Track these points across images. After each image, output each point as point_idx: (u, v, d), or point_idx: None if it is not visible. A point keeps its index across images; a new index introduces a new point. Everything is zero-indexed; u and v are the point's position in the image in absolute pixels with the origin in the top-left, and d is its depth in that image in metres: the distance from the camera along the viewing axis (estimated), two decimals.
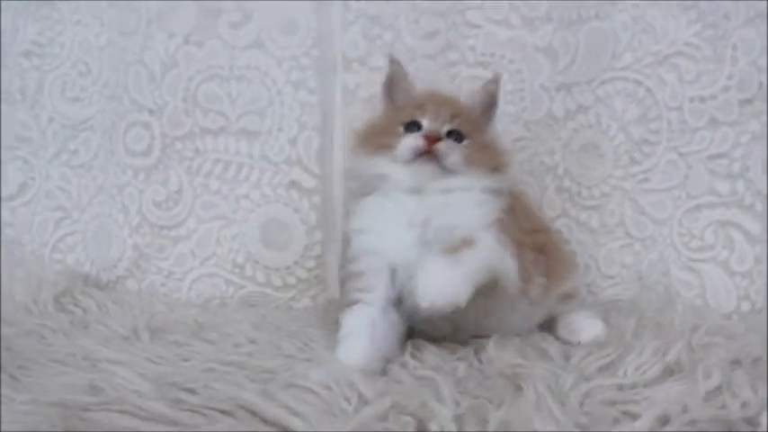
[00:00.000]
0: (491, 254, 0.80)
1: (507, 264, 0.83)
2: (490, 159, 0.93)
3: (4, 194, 1.36)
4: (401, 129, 0.92)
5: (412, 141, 0.89)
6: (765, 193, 1.13)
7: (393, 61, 1.00)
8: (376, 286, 0.85)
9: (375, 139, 0.94)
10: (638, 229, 1.20)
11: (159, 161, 1.28)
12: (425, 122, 0.91)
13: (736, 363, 0.73)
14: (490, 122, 0.99)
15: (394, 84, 0.99)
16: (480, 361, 0.81)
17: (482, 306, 0.82)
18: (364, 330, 0.80)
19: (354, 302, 0.84)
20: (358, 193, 0.95)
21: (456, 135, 0.91)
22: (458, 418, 0.59)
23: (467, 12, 1.24)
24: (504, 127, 1.19)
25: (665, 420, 0.58)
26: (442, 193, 0.88)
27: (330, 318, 0.98)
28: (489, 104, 0.99)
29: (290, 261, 1.24)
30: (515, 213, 0.91)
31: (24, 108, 1.36)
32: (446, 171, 0.88)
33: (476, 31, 1.24)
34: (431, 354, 0.82)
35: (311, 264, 1.24)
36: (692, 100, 1.17)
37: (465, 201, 0.88)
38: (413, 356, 0.81)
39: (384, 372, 0.76)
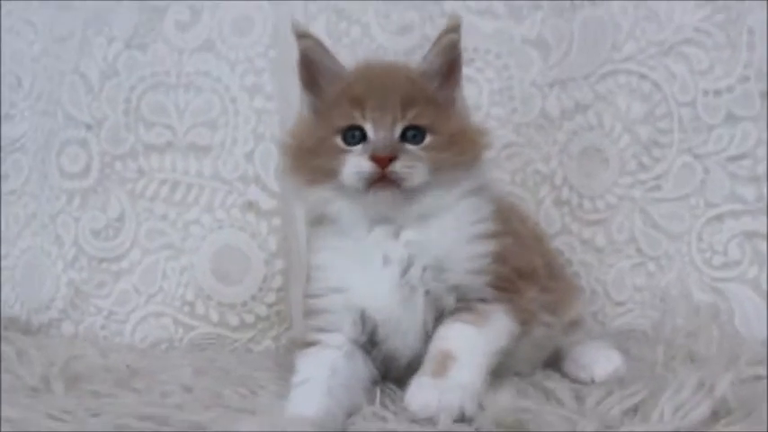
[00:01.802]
0: (479, 355, 0.69)
1: (504, 332, 0.72)
2: (464, 152, 0.76)
3: None
4: (339, 140, 0.74)
5: (357, 166, 0.71)
6: None
7: (302, 35, 0.78)
8: (340, 327, 0.75)
9: (309, 159, 0.76)
10: (652, 246, 1.10)
11: (98, 183, 1.20)
12: (370, 129, 0.73)
13: None
14: (455, 90, 0.80)
15: (313, 68, 0.78)
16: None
17: None
18: (321, 377, 0.70)
19: (312, 344, 0.75)
20: (314, 221, 0.80)
21: (414, 132, 0.74)
22: None
23: (444, 2, 1.18)
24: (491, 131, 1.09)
25: None
26: (419, 220, 0.75)
27: (291, 361, 0.85)
28: (450, 64, 0.78)
29: (248, 296, 1.16)
30: (510, 232, 0.78)
31: None
32: (411, 192, 0.72)
33: None
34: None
35: (272, 298, 1.16)
36: (705, 93, 1.09)
37: (450, 233, 0.74)
38: (384, 406, 0.68)
39: (344, 426, 0.64)
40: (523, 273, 0.77)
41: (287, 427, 0.57)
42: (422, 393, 0.64)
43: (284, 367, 0.86)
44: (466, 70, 1.06)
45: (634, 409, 0.63)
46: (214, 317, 1.15)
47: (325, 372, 0.70)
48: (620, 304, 1.11)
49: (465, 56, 1.08)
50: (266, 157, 1.16)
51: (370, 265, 0.74)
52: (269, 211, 1.16)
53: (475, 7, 1.17)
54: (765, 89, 1.06)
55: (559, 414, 0.60)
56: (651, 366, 0.77)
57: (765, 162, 1.06)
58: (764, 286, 1.03)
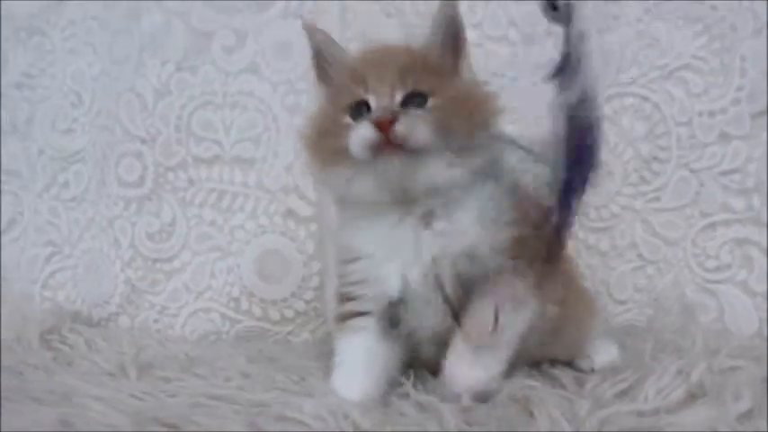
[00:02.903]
0: (515, 334, 0.72)
1: (532, 320, 0.74)
2: (469, 113, 0.73)
3: None
4: (347, 117, 0.74)
5: (361, 134, 0.70)
6: None
7: (312, 29, 0.80)
8: (373, 311, 0.76)
9: (324, 141, 0.75)
10: (651, 251, 1.16)
11: (152, 191, 1.25)
12: (372, 101, 0.72)
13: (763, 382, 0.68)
14: (459, 60, 0.77)
15: (323, 59, 0.79)
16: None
17: None
18: (360, 358, 0.75)
19: (348, 327, 0.78)
20: (342, 203, 0.81)
21: (416, 98, 0.72)
22: None
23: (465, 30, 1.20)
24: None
25: None
26: (446, 210, 0.73)
27: (329, 350, 0.90)
28: (452, 36, 0.76)
29: (288, 293, 1.20)
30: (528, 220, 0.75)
31: (14, 141, 1.35)
32: (418, 156, 0.70)
33: (475, 49, 1.17)
34: (434, 382, 0.76)
35: (309, 296, 1.20)
36: (701, 114, 1.14)
37: (476, 223, 0.73)
38: (414, 385, 0.75)
39: (384, 402, 0.71)
40: (543, 257, 0.74)
41: (341, 405, 0.63)
42: (462, 368, 0.69)
43: (324, 356, 0.91)
44: None
45: (624, 392, 0.70)
46: (257, 312, 1.19)
47: (363, 353, 0.74)
48: (621, 303, 1.16)
49: (482, 79, 1.16)
50: (304, 170, 1.17)
51: (401, 254, 0.73)
52: (307, 218, 1.20)
53: (492, 34, 1.20)
54: (755, 111, 1.11)
55: (561, 395, 0.68)
56: (641, 357, 0.83)
57: (754, 176, 1.11)
58: (753, 287, 1.09)
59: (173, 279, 1.24)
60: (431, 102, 0.72)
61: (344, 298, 0.78)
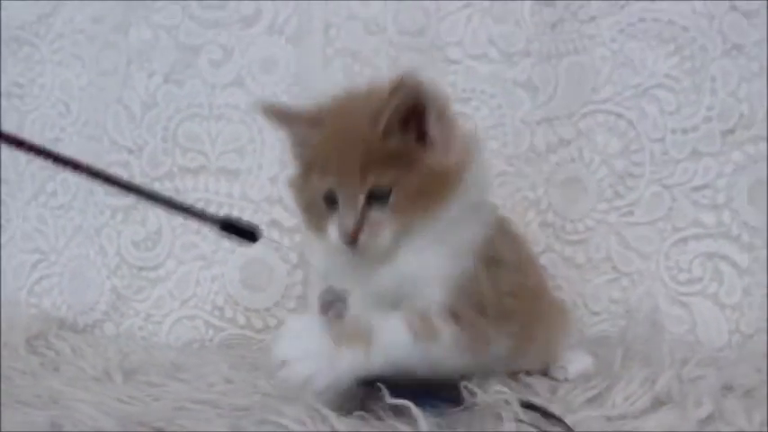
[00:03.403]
0: (391, 357, 0.67)
1: (430, 358, 0.70)
2: (433, 191, 0.74)
3: None
4: (322, 201, 0.76)
5: (333, 238, 0.74)
6: (751, 224, 1.13)
7: (279, 118, 0.80)
8: None
9: (305, 213, 0.81)
10: (625, 264, 1.18)
11: (138, 201, 1.21)
12: (340, 198, 0.74)
13: (727, 390, 0.72)
14: (427, 136, 0.74)
15: (296, 140, 0.81)
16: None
17: None
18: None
19: None
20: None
21: (379, 194, 0.73)
22: None
23: (446, 48, 1.24)
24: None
25: None
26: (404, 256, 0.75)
27: None
28: (415, 114, 0.72)
29: (271, 302, 1.22)
30: (492, 261, 0.76)
31: (2, 149, 1.34)
32: (386, 250, 0.74)
33: (455, 66, 1.24)
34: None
35: (292, 304, 1.22)
36: (673, 132, 1.17)
37: (425, 266, 0.74)
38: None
39: (361, 406, 0.73)
40: (488, 305, 0.74)
41: (321, 412, 0.64)
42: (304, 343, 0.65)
43: None
44: (464, 107, 1.18)
45: (593, 399, 0.73)
46: (241, 320, 1.21)
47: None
48: (596, 314, 1.17)
49: (463, 95, 1.20)
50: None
51: (370, 299, 0.74)
52: (290, 228, 1.21)
53: (472, 52, 1.23)
54: (725, 128, 1.14)
55: (534, 400, 0.70)
56: (611, 365, 0.85)
57: (724, 192, 1.13)
58: (723, 300, 1.12)
59: (158, 287, 1.25)
60: (392, 197, 0.73)
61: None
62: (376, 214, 0.73)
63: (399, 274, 0.74)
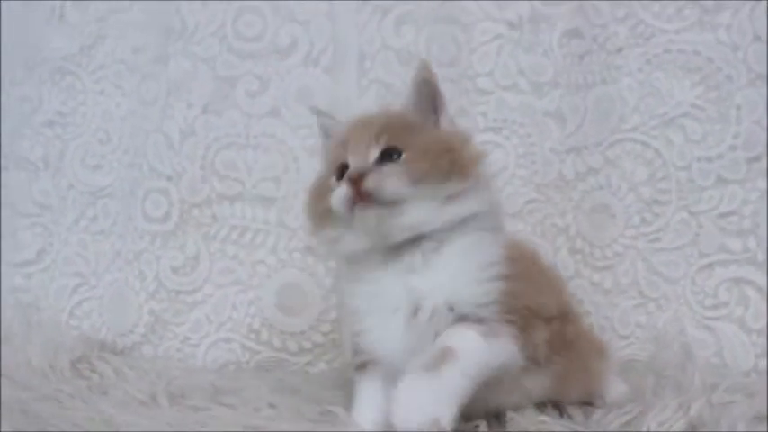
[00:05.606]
0: (479, 362, 0.69)
1: (508, 352, 0.72)
2: (444, 159, 0.75)
3: (21, 260, 1.38)
4: (334, 179, 0.80)
5: (338, 192, 0.75)
6: None
7: (320, 114, 0.92)
8: (372, 361, 0.80)
9: (315, 203, 0.83)
10: (652, 289, 1.20)
11: (177, 227, 1.29)
12: (351, 160, 0.77)
13: (759, 418, 0.73)
14: (436, 117, 0.82)
15: (327, 136, 0.90)
16: (500, 421, 0.79)
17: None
18: (372, 396, 0.78)
19: (361, 374, 0.81)
20: (338, 269, 0.87)
21: (390, 153, 0.76)
22: None
23: (477, 78, 1.26)
24: (516, 190, 1.23)
25: None
26: (424, 256, 0.76)
27: (345, 380, 0.97)
28: (428, 95, 0.82)
29: (306, 326, 1.24)
30: (521, 275, 0.76)
31: (46, 176, 1.39)
32: (393, 205, 0.74)
33: (486, 97, 1.26)
34: None
35: (327, 328, 1.24)
36: (699, 160, 1.19)
37: (458, 274, 0.75)
38: None
39: None
40: (535, 312, 0.75)
41: None
42: (410, 395, 0.65)
43: (342, 386, 0.98)
44: (494, 137, 1.21)
45: (628, 423, 0.75)
46: (277, 343, 1.23)
47: (373, 394, 0.77)
48: (624, 338, 1.19)
49: (494, 125, 1.22)
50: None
51: (381, 311, 0.77)
52: (325, 254, 1.21)
53: (503, 83, 1.25)
54: (750, 156, 1.16)
55: (568, 426, 0.73)
56: (643, 392, 0.87)
57: (750, 218, 1.15)
58: (749, 324, 1.14)
59: (195, 310, 1.27)
60: (404, 156, 0.76)
61: (354, 349, 0.83)
62: (387, 168, 0.75)
63: (410, 225, 0.75)
